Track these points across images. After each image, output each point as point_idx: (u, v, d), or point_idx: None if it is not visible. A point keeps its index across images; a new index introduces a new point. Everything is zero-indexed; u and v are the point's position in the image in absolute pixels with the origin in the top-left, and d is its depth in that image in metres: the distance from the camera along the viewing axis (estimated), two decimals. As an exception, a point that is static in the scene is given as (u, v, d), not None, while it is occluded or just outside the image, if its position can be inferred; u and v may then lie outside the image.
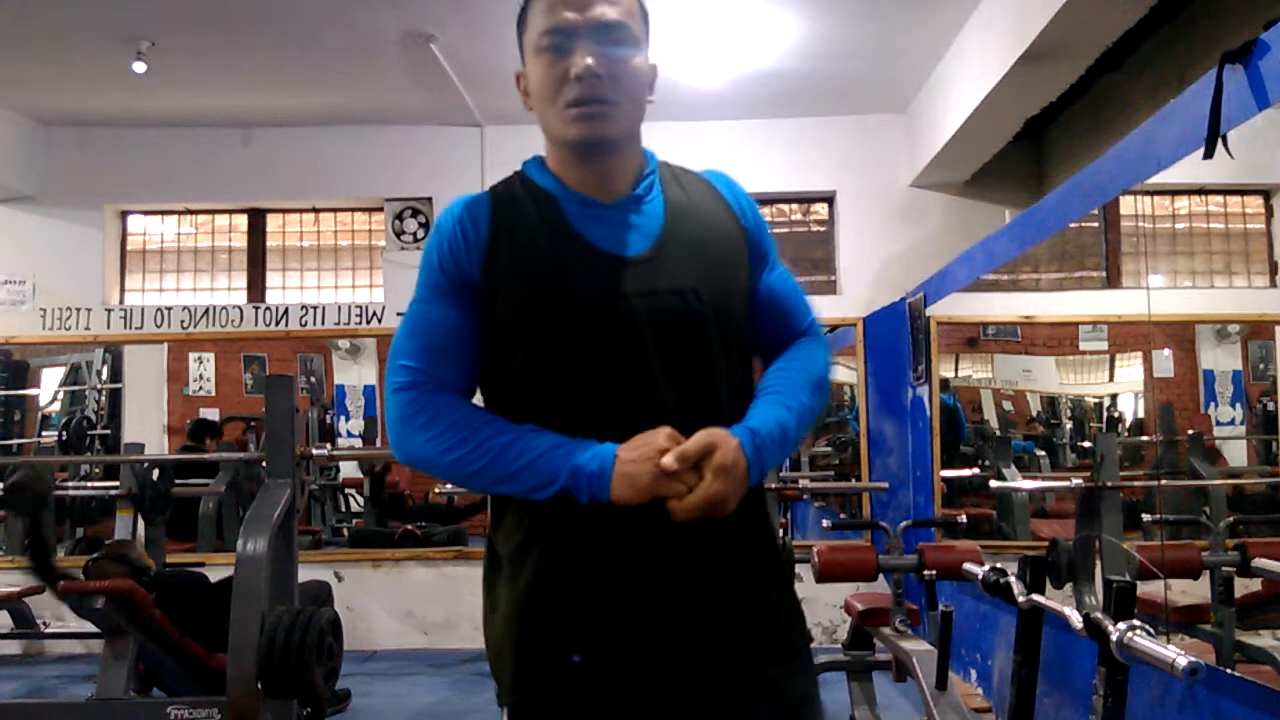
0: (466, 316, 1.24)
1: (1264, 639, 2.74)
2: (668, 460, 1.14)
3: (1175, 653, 1.38)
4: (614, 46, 1.23)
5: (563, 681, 1.18)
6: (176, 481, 4.62)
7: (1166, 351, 4.18)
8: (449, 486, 5.38)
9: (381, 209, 5.97)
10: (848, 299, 5.67)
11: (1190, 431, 4.06)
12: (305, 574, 3.74)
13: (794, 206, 6.04)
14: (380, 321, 5.79)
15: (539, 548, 1.21)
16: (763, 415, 1.24)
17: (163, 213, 6.19)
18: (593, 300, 1.21)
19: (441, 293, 1.24)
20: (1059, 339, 5.22)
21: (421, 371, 1.21)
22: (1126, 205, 4.48)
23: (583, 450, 1.16)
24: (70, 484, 5.58)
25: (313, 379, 6.30)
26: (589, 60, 1.21)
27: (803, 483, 5.37)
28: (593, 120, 1.22)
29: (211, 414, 6.07)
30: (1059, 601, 1.84)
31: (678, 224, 1.28)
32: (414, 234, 5.87)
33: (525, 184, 1.29)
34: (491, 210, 1.25)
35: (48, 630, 5.24)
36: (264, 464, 3.30)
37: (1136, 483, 3.88)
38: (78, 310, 5.80)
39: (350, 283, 6.17)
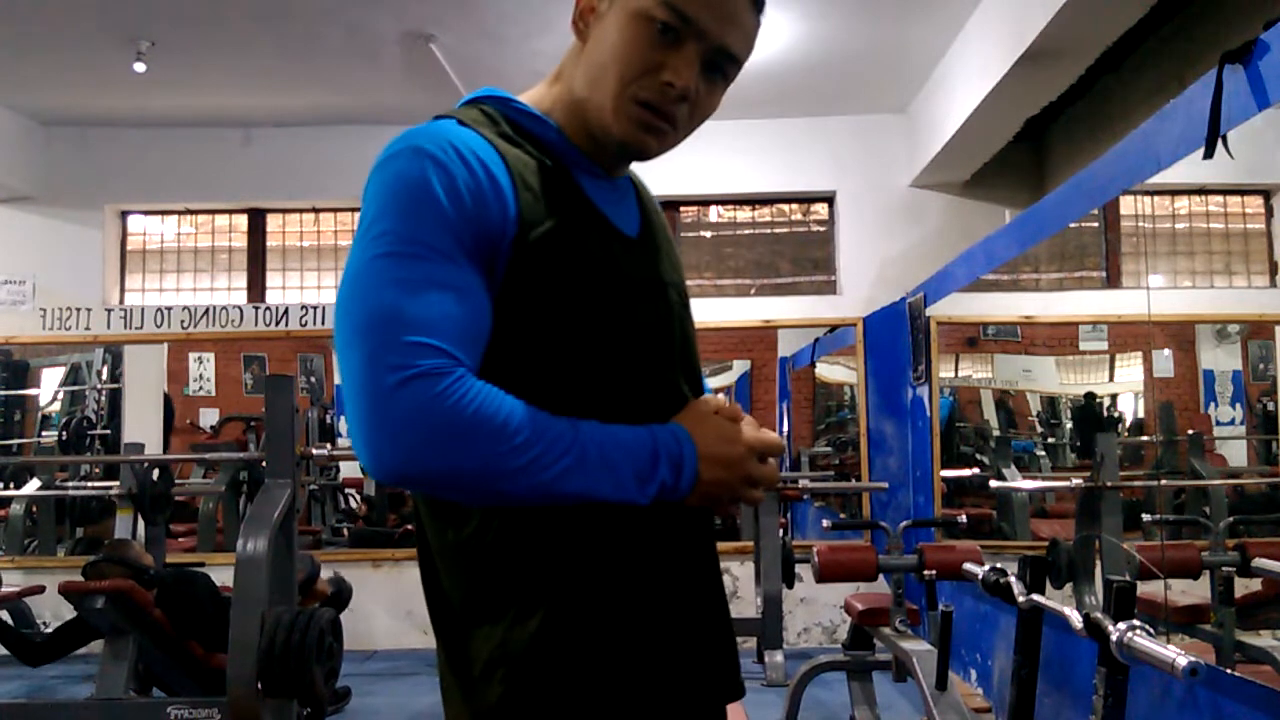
0: (486, 288, 0.97)
1: (1264, 639, 2.75)
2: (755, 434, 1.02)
3: (1175, 653, 1.38)
4: (717, 78, 1.06)
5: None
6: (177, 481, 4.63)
7: (1166, 351, 4.18)
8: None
9: (381, 209, 5.96)
10: (848, 299, 5.67)
11: (1190, 431, 4.06)
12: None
13: (794, 206, 6.04)
14: (380, 321, 5.78)
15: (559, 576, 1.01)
16: None
17: (163, 213, 6.18)
18: (633, 289, 1.07)
19: (463, 250, 0.95)
20: (1059, 339, 5.22)
21: (447, 353, 0.91)
22: (1126, 205, 4.49)
23: (655, 430, 0.99)
24: (70, 484, 5.58)
25: (313, 379, 6.29)
26: (689, 80, 1.02)
27: (803, 483, 5.37)
28: (648, 133, 1.05)
29: (212, 414, 6.07)
30: (1059, 601, 1.84)
31: (648, 212, 1.18)
32: (414, 234, 5.86)
33: (525, 135, 1.06)
34: (506, 166, 1.00)
35: (48, 630, 5.23)
36: (264, 464, 3.30)
37: (1136, 483, 3.88)
38: (78, 310, 5.80)
39: (350, 283, 6.17)
